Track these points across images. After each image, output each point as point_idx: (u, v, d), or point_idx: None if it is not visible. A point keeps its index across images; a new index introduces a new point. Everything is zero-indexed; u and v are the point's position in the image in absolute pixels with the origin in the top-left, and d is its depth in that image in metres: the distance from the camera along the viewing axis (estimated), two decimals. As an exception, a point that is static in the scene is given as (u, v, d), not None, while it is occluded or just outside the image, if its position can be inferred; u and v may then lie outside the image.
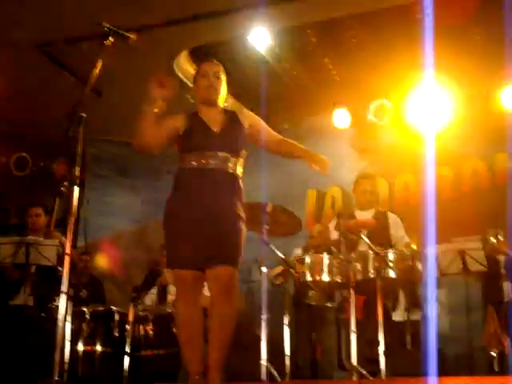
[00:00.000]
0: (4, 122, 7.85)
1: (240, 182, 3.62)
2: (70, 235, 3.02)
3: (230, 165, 3.55)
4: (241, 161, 3.63)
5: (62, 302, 3.04)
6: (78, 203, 3.16)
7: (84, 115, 3.05)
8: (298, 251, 6.01)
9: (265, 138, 3.75)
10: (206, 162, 3.52)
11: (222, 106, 3.72)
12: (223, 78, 3.72)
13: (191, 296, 3.48)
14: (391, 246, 4.76)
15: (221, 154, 3.53)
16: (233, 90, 7.43)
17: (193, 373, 3.40)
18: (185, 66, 6.82)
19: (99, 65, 3.28)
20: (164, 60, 6.42)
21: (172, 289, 5.81)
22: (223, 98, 3.73)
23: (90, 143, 3.19)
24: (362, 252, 4.55)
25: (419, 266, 4.64)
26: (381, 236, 4.89)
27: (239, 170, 3.62)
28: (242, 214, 3.53)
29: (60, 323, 3.02)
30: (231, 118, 3.68)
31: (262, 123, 3.79)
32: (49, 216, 5.99)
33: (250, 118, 3.75)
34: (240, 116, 3.71)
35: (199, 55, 6.30)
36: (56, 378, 2.97)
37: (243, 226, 3.51)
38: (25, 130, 8.13)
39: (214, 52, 6.45)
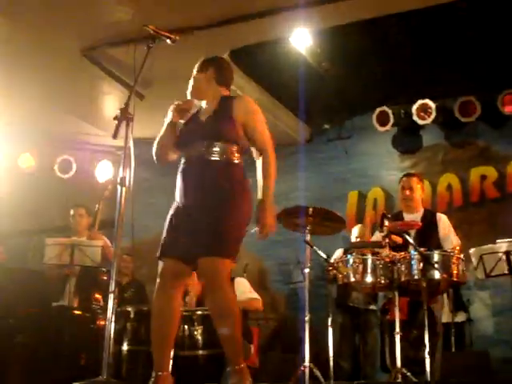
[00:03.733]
0: (49, 125, 7.99)
1: (235, 168, 3.41)
2: (119, 236, 3.05)
3: (216, 152, 3.38)
4: (235, 148, 3.42)
5: (110, 302, 3.08)
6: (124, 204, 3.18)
7: (131, 116, 3.09)
8: (339, 252, 5.98)
9: (252, 142, 3.51)
10: (190, 152, 3.46)
11: (215, 96, 3.54)
12: (201, 71, 3.56)
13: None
14: (439, 248, 4.67)
15: (206, 141, 3.41)
16: (273, 91, 7.49)
17: None
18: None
19: (143, 68, 3.31)
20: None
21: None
22: (211, 88, 3.55)
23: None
24: (406, 253, 4.49)
25: (463, 267, 4.55)
26: (428, 237, 4.82)
27: (232, 157, 3.41)
28: (234, 202, 3.33)
29: (107, 322, 3.05)
30: (224, 104, 3.49)
31: (258, 125, 3.50)
32: (91, 217, 6.05)
33: (245, 112, 3.47)
34: (236, 102, 3.49)
35: (240, 57, 6.31)
36: (104, 377, 3.00)
37: (233, 214, 3.30)
38: (69, 133, 8.27)
39: (255, 53, 6.48)
